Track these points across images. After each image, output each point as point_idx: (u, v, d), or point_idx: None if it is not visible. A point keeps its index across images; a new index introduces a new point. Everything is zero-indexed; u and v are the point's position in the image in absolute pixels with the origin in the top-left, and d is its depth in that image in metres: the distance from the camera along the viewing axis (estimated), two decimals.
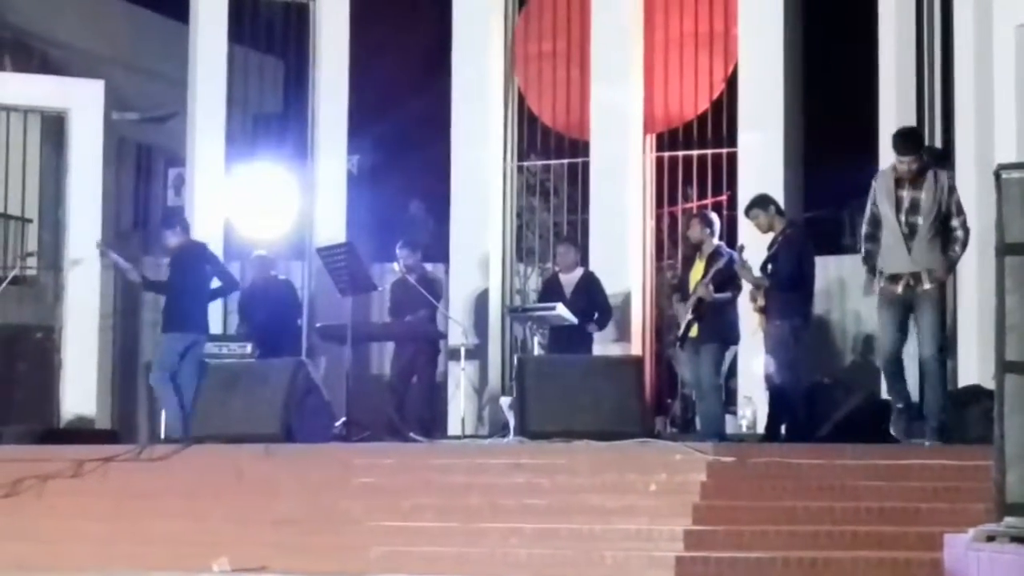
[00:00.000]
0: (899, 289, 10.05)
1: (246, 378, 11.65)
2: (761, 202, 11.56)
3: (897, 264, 10.05)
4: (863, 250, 10.29)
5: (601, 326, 12.98)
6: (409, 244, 13.45)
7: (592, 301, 12.98)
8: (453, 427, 13.86)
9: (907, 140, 10.13)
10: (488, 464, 10.04)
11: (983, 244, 11.65)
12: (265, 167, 14.66)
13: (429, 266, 14.07)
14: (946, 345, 10.30)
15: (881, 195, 10.10)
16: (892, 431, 10.30)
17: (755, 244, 11.65)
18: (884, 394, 12.67)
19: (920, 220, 9.98)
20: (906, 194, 10.01)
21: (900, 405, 10.31)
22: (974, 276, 12.37)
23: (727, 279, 11.57)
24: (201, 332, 12.43)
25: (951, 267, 10.30)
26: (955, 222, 10.04)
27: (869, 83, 13.55)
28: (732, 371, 13.14)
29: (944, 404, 10.17)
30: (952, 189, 10.07)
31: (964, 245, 10.11)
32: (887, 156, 13.16)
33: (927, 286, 10.02)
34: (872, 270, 10.26)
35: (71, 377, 14.29)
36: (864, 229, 10.29)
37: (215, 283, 12.77)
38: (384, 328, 13.31)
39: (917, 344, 10.18)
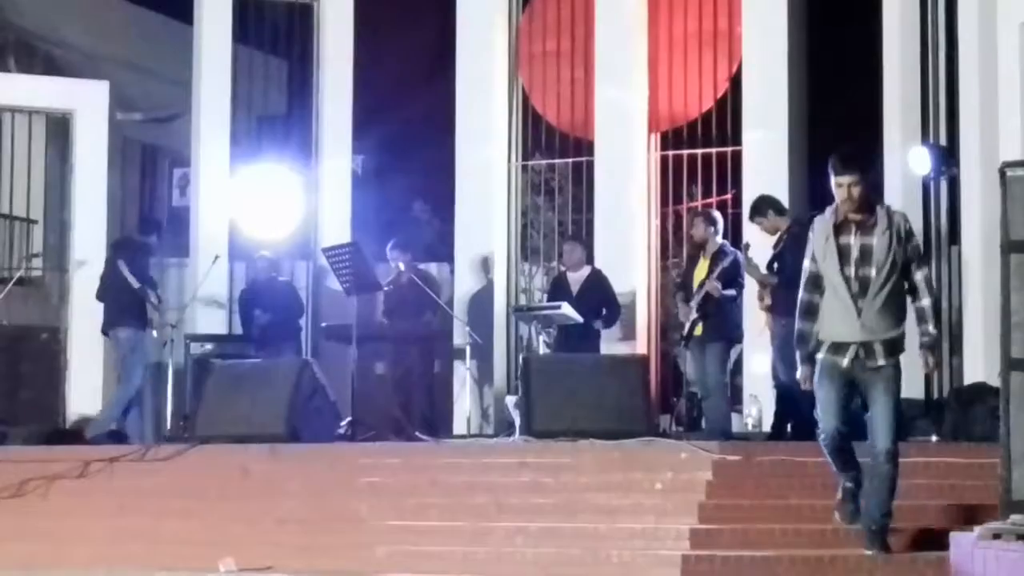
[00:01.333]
0: (844, 362, 7.79)
1: (251, 378, 11.67)
2: (759, 208, 11.54)
3: (843, 331, 7.76)
4: (796, 330, 7.97)
5: (608, 323, 12.96)
6: (399, 245, 13.47)
7: (602, 298, 12.95)
8: (458, 426, 13.87)
9: (849, 159, 7.83)
10: (494, 463, 10.04)
11: (988, 242, 11.68)
12: (269, 167, 14.66)
13: (427, 265, 14.07)
14: (898, 438, 7.98)
15: (819, 246, 7.80)
16: (836, 515, 8.21)
17: (761, 242, 11.65)
18: None
19: (872, 273, 7.69)
20: (853, 241, 7.72)
21: (849, 485, 8.08)
22: (979, 273, 12.37)
23: (731, 278, 11.57)
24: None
25: (933, 348, 7.89)
26: (918, 276, 7.81)
27: (873, 81, 13.54)
28: (736, 369, 13.13)
29: (888, 510, 8.03)
30: (911, 234, 7.81)
31: (935, 312, 7.84)
32: (891, 153, 13.22)
33: (881, 362, 7.77)
34: (808, 358, 7.93)
35: (77, 378, 14.28)
36: (801, 296, 7.94)
37: None
38: (389, 328, 13.32)
39: (868, 432, 8.03)
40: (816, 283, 7.80)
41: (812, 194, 14.26)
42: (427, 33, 16.76)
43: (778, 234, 11.43)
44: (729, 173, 14.20)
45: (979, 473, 8.77)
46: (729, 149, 14.22)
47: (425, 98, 16.43)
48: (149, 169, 18.63)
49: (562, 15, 15.05)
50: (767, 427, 12.07)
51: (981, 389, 11.18)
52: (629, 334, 13.99)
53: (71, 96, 15.03)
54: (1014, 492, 7.24)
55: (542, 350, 13.10)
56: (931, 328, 7.79)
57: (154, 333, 13.00)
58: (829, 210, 7.80)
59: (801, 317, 7.88)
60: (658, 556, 8.62)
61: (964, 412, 11.13)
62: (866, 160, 7.92)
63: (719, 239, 11.87)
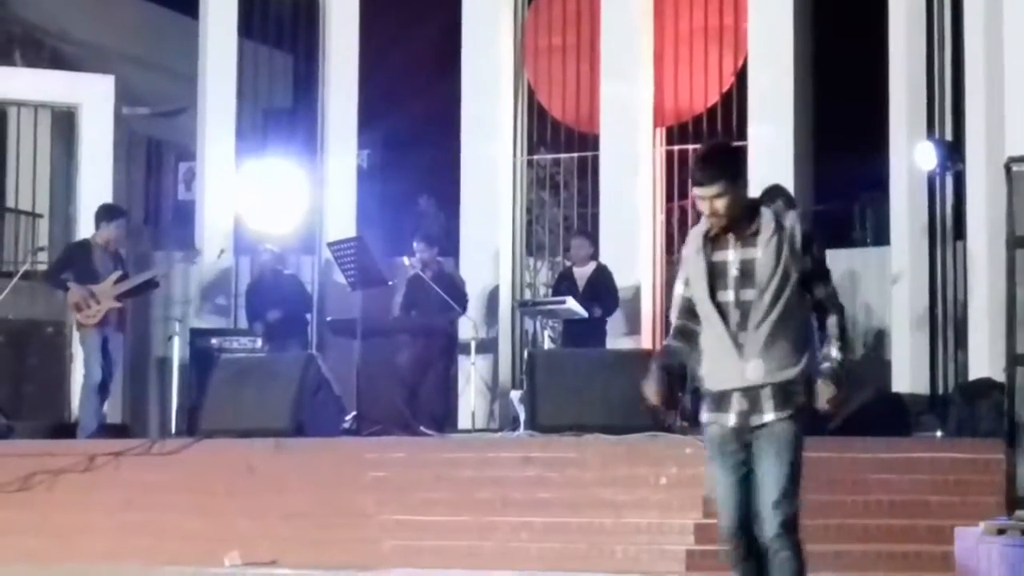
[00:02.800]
0: (731, 420, 5.65)
1: (257, 372, 11.68)
2: (771, 195, 11.52)
3: (722, 376, 5.67)
4: (663, 346, 5.97)
5: (606, 312, 12.96)
6: (426, 238, 13.39)
7: (605, 294, 12.97)
8: (464, 421, 13.87)
9: (709, 162, 5.72)
10: (499, 458, 10.05)
11: (993, 237, 11.67)
12: (275, 162, 14.67)
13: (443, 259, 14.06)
14: (797, 512, 5.62)
15: (690, 264, 5.76)
16: None
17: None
18: (895, 387, 12.74)
19: (752, 295, 5.60)
20: (731, 256, 5.66)
21: None
22: (984, 268, 12.36)
23: None
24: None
25: (835, 378, 5.64)
26: (819, 292, 5.70)
27: (879, 76, 13.53)
28: None
29: None
30: (809, 240, 5.67)
31: (843, 333, 5.72)
32: (898, 149, 13.21)
33: (768, 417, 5.58)
34: (668, 372, 5.83)
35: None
36: (674, 324, 5.88)
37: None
38: (395, 322, 13.32)
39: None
40: (691, 312, 5.75)
41: (818, 189, 14.28)
42: (433, 27, 16.74)
43: None
44: None
45: (984, 468, 8.77)
46: (734, 144, 14.21)
47: (431, 93, 16.42)
48: (155, 163, 18.63)
49: (567, 10, 15.05)
50: None
51: (986, 384, 11.18)
52: (634, 329, 13.99)
53: (77, 90, 15.03)
54: (1019, 488, 7.24)
55: (547, 345, 13.11)
56: (834, 352, 5.64)
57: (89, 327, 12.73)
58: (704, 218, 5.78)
59: (672, 337, 5.83)
60: (663, 551, 8.63)
61: (969, 407, 11.14)
62: (732, 160, 5.75)
63: None
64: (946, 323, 13.20)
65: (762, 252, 5.60)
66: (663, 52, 14.57)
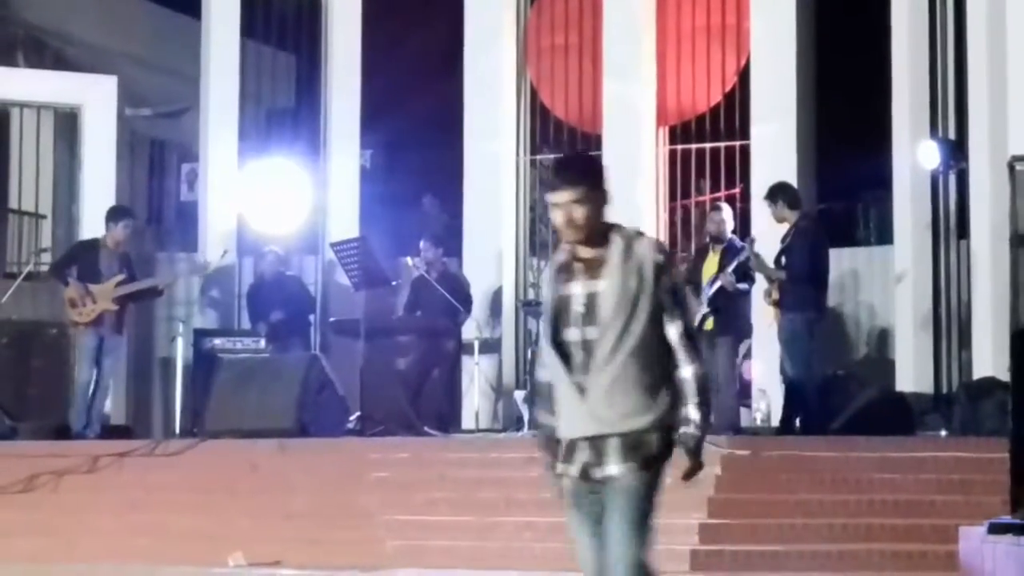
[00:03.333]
0: (576, 471, 4.97)
1: (260, 373, 11.69)
2: (774, 194, 11.55)
3: (569, 422, 4.99)
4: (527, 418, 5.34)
5: None
6: (432, 238, 13.38)
7: None
8: (467, 421, 13.87)
9: (568, 166, 5.17)
10: (502, 458, 10.04)
11: (997, 235, 11.66)
12: (278, 162, 14.66)
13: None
14: (646, 570, 4.93)
15: (544, 302, 5.17)
16: None
17: (770, 237, 11.64)
18: (899, 387, 12.73)
19: (596, 333, 4.92)
20: (578, 289, 4.99)
21: None
22: (988, 267, 12.35)
23: (746, 272, 11.58)
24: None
25: (691, 448, 4.91)
26: (672, 331, 4.93)
27: (882, 75, 13.52)
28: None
29: None
30: (663, 268, 4.93)
31: (702, 387, 4.92)
32: (901, 148, 13.21)
33: (612, 470, 4.90)
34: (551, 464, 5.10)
35: None
36: (535, 380, 5.27)
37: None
38: (398, 323, 13.31)
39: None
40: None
41: (821, 188, 14.28)
42: (435, 27, 16.74)
43: (786, 227, 11.43)
44: (737, 167, 14.20)
45: (988, 467, 8.76)
46: (737, 143, 14.22)
47: (433, 92, 16.41)
48: (157, 164, 18.62)
49: (570, 9, 15.04)
50: (776, 422, 12.07)
51: (990, 383, 11.17)
52: None
53: (79, 91, 15.03)
54: None
55: None
56: (692, 413, 4.89)
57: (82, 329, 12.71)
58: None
59: (538, 407, 5.18)
60: (667, 551, 8.58)
61: (973, 406, 11.14)
62: (593, 169, 5.05)
63: (729, 234, 11.90)
64: (950, 322, 13.20)
65: (607, 284, 4.92)
66: (666, 51, 14.57)
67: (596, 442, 4.90)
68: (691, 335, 4.95)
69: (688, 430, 4.88)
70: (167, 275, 13.85)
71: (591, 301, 4.93)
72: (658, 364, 4.91)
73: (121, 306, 12.39)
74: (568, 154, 5.39)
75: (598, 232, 4.96)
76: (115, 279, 12.32)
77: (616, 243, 4.94)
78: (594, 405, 4.88)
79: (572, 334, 4.96)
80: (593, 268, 4.95)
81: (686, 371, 4.91)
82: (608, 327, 4.88)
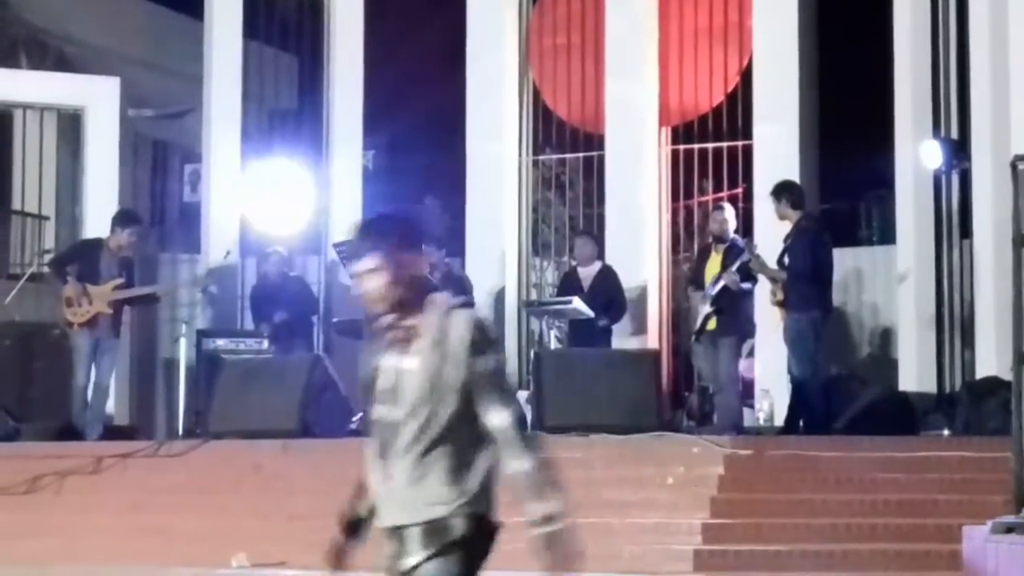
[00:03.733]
0: (385, 562, 4.57)
1: (263, 374, 11.69)
2: (779, 193, 11.55)
3: (379, 510, 4.67)
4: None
5: (613, 321, 12.96)
6: (434, 240, 13.38)
7: (608, 295, 12.97)
8: None
9: (365, 231, 4.56)
10: None
11: (1000, 235, 11.66)
12: (280, 163, 14.66)
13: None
14: None
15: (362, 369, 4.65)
16: None
17: (772, 236, 11.65)
18: (902, 386, 12.73)
19: (400, 415, 4.40)
20: (389, 362, 4.44)
21: None
22: (991, 267, 12.35)
23: (749, 271, 11.59)
24: None
25: (551, 543, 4.34)
26: (494, 419, 4.36)
27: (884, 75, 13.52)
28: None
29: None
30: (479, 346, 4.34)
31: (541, 479, 4.41)
32: (903, 148, 13.22)
33: (413, 559, 4.43)
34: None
35: None
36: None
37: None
38: None
39: None
40: None
41: (823, 188, 14.28)
42: (438, 28, 16.74)
43: (790, 227, 11.43)
44: (740, 167, 14.20)
45: (991, 467, 8.77)
46: (740, 143, 14.22)
47: (436, 93, 16.42)
48: (160, 165, 18.65)
49: (572, 10, 15.04)
50: (779, 421, 12.08)
51: (993, 383, 11.18)
52: (640, 329, 13.98)
53: (82, 92, 15.04)
54: None
55: (553, 345, 13.10)
56: (537, 507, 4.37)
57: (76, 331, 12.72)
58: None
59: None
60: (670, 551, 8.62)
61: (976, 406, 11.14)
62: (398, 229, 4.48)
63: (732, 234, 11.91)
64: (953, 322, 13.20)
65: (415, 363, 4.35)
66: (668, 51, 14.56)
67: (399, 532, 4.47)
68: (518, 423, 4.36)
69: (537, 524, 4.32)
70: (166, 284, 13.86)
71: (399, 379, 4.38)
72: (470, 448, 4.39)
73: (116, 310, 12.40)
74: (372, 215, 4.67)
75: (412, 299, 4.37)
76: (113, 282, 12.33)
77: (430, 316, 4.35)
78: (399, 492, 4.45)
79: (379, 412, 4.45)
80: (404, 342, 4.38)
81: (518, 465, 4.37)
82: (413, 412, 4.34)
